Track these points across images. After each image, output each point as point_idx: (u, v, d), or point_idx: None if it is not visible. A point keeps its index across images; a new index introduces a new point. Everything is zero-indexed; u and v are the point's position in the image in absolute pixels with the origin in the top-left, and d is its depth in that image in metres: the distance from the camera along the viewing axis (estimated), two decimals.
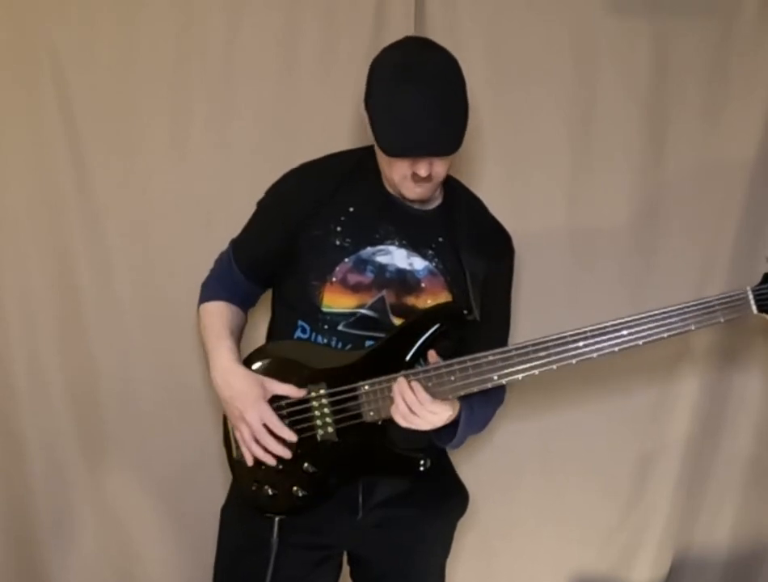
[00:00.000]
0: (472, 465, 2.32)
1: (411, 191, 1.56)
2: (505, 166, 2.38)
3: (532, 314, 2.17)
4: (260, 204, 1.72)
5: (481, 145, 2.32)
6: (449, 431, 1.57)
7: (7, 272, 2.35)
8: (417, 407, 1.49)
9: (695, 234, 2.41)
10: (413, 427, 1.51)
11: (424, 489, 1.68)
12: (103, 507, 2.45)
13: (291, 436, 1.57)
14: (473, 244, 1.63)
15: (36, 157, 2.31)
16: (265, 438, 1.56)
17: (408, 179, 1.52)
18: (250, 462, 1.61)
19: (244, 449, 1.60)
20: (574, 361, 1.48)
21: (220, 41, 2.29)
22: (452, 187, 1.69)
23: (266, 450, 1.58)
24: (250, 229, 1.73)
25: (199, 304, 1.75)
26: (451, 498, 1.78)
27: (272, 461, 1.58)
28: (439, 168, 1.52)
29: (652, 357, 2.47)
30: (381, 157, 1.54)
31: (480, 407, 1.61)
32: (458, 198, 1.69)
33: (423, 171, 1.48)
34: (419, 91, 1.43)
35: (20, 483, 2.41)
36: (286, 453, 1.57)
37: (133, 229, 2.35)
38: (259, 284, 1.74)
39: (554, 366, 1.48)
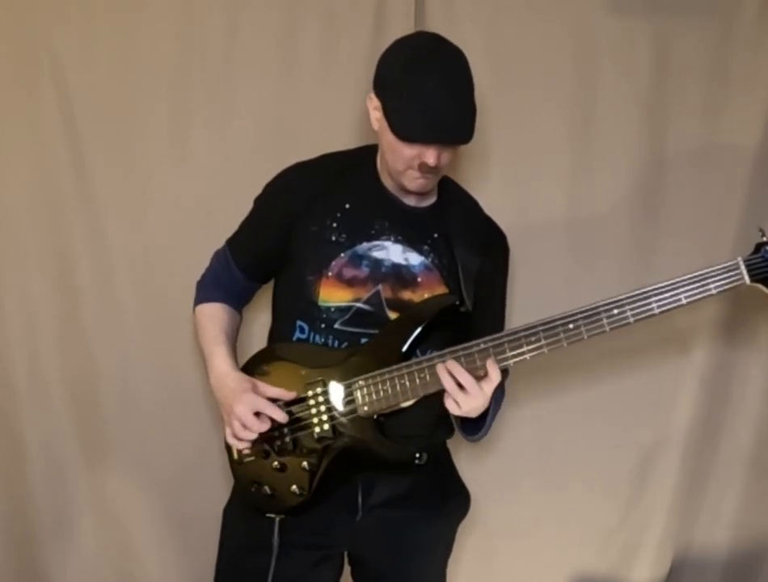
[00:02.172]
0: (473, 466, 2.32)
1: (413, 182, 1.56)
2: (505, 166, 2.38)
3: (532, 314, 2.13)
4: (257, 200, 1.73)
5: (481, 144, 2.32)
6: (474, 423, 1.57)
7: (7, 272, 2.35)
8: (469, 382, 1.47)
9: (695, 233, 2.42)
10: (462, 409, 1.49)
11: (425, 490, 1.68)
12: (103, 507, 2.45)
13: (283, 417, 1.56)
14: (466, 240, 1.64)
15: (36, 157, 2.31)
16: (254, 423, 1.56)
17: (414, 168, 1.52)
18: (241, 445, 1.60)
19: (232, 441, 1.60)
20: (565, 344, 1.47)
21: (220, 41, 2.29)
22: (446, 186, 1.70)
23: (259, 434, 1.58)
24: (247, 226, 1.75)
25: (195, 304, 1.76)
26: (452, 499, 1.78)
27: (266, 426, 1.57)
28: (445, 159, 1.52)
29: (652, 358, 2.47)
30: (388, 145, 1.54)
31: (497, 399, 1.61)
32: (453, 196, 1.70)
33: (432, 160, 1.49)
34: (440, 77, 1.44)
35: (20, 483, 2.41)
36: (267, 423, 1.56)
37: (133, 229, 2.35)
38: (256, 280, 1.76)
39: (546, 349, 1.48)
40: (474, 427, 1.59)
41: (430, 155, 1.49)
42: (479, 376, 1.48)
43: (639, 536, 2.57)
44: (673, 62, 2.38)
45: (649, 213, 2.42)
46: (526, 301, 2.09)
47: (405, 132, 1.47)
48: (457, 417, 1.57)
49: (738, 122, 2.39)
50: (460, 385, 1.47)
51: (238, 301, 1.78)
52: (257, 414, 1.56)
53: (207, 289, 1.76)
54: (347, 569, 1.78)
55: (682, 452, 2.51)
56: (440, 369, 1.48)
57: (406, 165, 1.53)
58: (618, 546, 2.58)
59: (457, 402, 1.48)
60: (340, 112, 2.27)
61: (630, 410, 2.50)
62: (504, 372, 1.72)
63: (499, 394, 1.61)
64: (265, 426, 1.56)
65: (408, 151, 1.50)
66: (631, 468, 2.54)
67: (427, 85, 1.44)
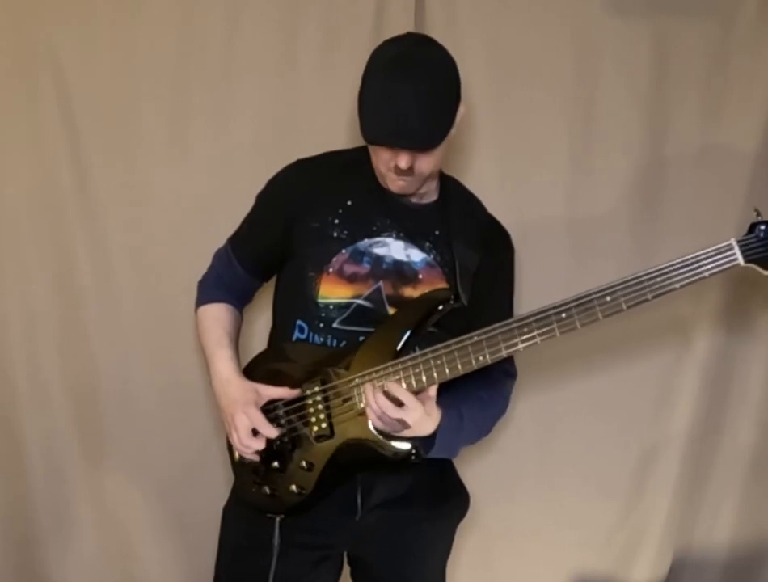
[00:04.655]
0: (473, 466, 2.32)
1: (394, 184, 1.58)
2: (505, 166, 2.38)
3: None
4: (259, 196, 1.74)
5: (481, 143, 2.32)
6: (430, 440, 1.55)
7: (7, 272, 2.35)
8: (390, 411, 1.47)
9: (695, 233, 2.41)
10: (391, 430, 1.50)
11: (425, 490, 1.69)
12: (103, 507, 2.45)
13: (275, 434, 1.57)
14: (466, 237, 1.64)
15: (36, 157, 2.31)
16: (249, 441, 1.57)
17: (391, 170, 1.53)
18: (255, 459, 1.62)
19: (240, 448, 1.61)
20: (558, 334, 1.47)
21: (220, 40, 2.29)
22: (449, 185, 1.70)
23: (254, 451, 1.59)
24: (248, 222, 1.76)
25: (197, 304, 1.77)
26: (451, 499, 1.78)
27: (255, 458, 1.60)
28: (423, 163, 1.52)
29: (653, 356, 2.47)
30: (369, 146, 1.56)
31: (472, 415, 1.61)
32: (455, 195, 1.70)
33: (403, 163, 1.49)
34: (403, 83, 1.44)
35: (20, 483, 2.41)
36: (263, 442, 1.58)
37: (133, 229, 2.35)
38: (258, 277, 1.76)
39: (538, 340, 1.47)
40: (428, 445, 1.56)
41: (401, 159, 1.49)
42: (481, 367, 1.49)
43: (639, 536, 2.56)
44: (673, 62, 2.37)
45: (649, 213, 2.42)
46: (526, 302, 2.09)
47: (367, 133, 1.49)
48: None
49: (738, 122, 2.38)
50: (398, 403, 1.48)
51: (240, 300, 1.78)
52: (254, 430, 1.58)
53: (209, 289, 1.77)
54: (346, 569, 1.78)
55: (682, 452, 2.51)
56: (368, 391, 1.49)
57: (384, 166, 1.54)
58: (618, 547, 2.58)
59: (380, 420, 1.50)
60: (340, 112, 2.26)
61: (630, 409, 2.49)
62: (508, 375, 1.72)
63: (481, 412, 1.62)
64: (260, 443, 1.57)
65: (382, 153, 1.52)
66: (631, 467, 2.53)
67: (388, 92, 1.44)
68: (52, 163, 2.30)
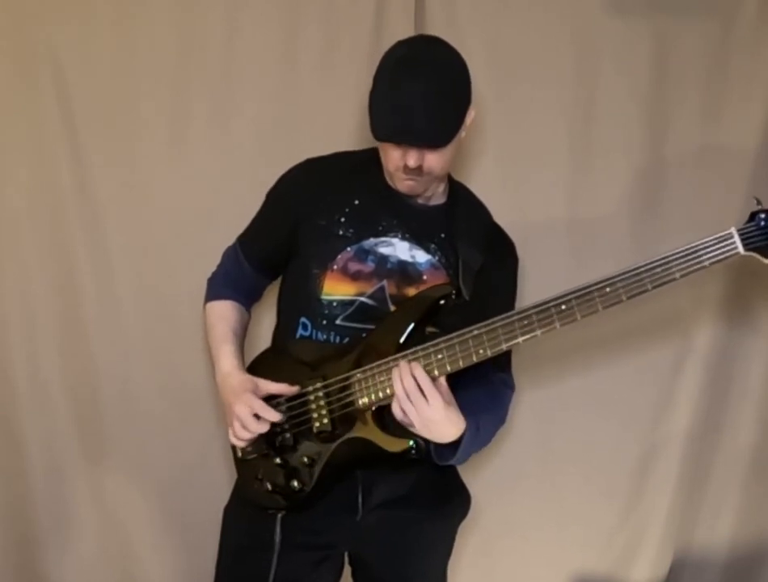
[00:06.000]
0: (474, 466, 2.32)
1: (402, 184, 1.59)
2: (505, 166, 2.38)
3: None
4: (268, 194, 1.75)
5: (481, 144, 2.32)
6: (450, 448, 1.54)
7: (7, 272, 2.35)
8: (415, 395, 1.46)
9: (695, 234, 2.39)
10: (409, 422, 1.48)
11: (426, 490, 1.69)
12: (103, 507, 2.45)
13: (277, 417, 1.58)
14: (471, 237, 1.65)
15: (36, 157, 2.30)
16: (252, 424, 1.57)
17: (401, 170, 1.54)
18: (242, 444, 1.62)
19: (234, 440, 1.62)
20: (558, 325, 1.47)
21: (220, 40, 2.29)
22: (457, 190, 1.72)
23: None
24: (257, 220, 1.78)
25: (205, 300, 1.79)
26: (453, 499, 1.78)
27: (266, 428, 1.58)
28: (431, 162, 1.53)
29: (653, 353, 2.47)
30: (379, 144, 1.57)
31: (485, 426, 1.60)
32: (462, 200, 1.71)
33: (412, 161, 1.51)
34: (410, 83, 1.45)
35: (20, 483, 2.41)
36: (267, 425, 1.58)
37: (133, 229, 2.35)
38: (265, 275, 1.78)
39: (539, 332, 1.47)
40: (447, 453, 1.54)
41: (410, 157, 1.51)
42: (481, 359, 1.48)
43: (639, 536, 2.56)
44: (673, 62, 2.38)
45: (649, 213, 2.42)
46: (527, 302, 2.09)
47: (376, 131, 1.50)
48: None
49: (738, 122, 2.38)
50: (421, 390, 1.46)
51: (248, 297, 1.80)
52: (257, 415, 1.57)
53: (217, 286, 1.79)
54: (347, 569, 1.78)
55: (682, 452, 2.51)
56: (395, 372, 1.48)
57: (393, 166, 1.56)
58: (618, 547, 2.58)
59: (403, 410, 1.47)
60: (341, 112, 2.27)
61: (631, 407, 2.49)
62: (507, 386, 1.72)
63: (490, 422, 1.62)
64: (264, 427, 1.57)
65: (391, 152, 1.53)
66: (632, 467, 2.53)
67: (397, 89, 1.46)
68: (52, 163, 2.30)
